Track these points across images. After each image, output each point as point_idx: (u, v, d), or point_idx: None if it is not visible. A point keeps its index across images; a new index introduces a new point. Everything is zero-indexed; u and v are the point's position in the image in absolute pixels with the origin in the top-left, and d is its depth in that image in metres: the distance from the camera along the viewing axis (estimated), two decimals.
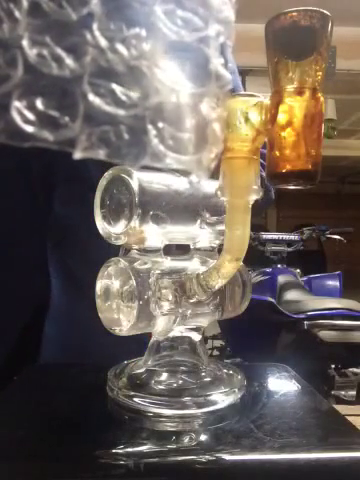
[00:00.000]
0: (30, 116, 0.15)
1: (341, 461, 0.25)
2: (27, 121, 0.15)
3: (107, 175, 0.30)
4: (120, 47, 0.16)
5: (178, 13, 0.17)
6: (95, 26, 0.16)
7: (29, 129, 0.15)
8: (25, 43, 0.15)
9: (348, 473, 0.25)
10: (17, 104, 0.15)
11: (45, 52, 0.16)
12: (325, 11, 0.24)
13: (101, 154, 0.16)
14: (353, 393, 1.73)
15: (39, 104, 0.16)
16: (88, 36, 0.16)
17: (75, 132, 0.16)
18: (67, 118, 0.16)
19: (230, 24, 0.18)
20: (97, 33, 0.16)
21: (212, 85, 0.18)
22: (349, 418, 0.30)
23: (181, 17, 0.17)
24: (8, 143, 0.15)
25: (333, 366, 1.75)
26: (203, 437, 0.26)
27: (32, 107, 0.15)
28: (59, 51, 0.16)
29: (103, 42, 0.16)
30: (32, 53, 0.15)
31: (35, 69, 0.15)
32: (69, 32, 0.16)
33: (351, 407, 1.71)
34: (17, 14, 0.15)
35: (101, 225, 0.31)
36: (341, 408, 1.64)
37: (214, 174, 0.22)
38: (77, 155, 0.16)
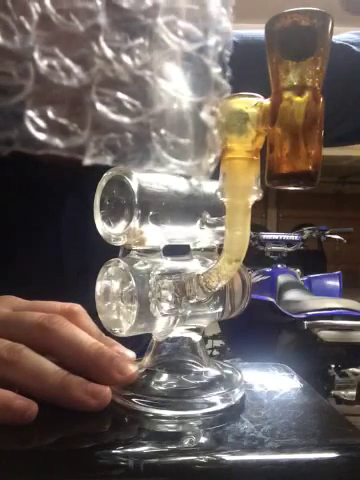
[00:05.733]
0: (42, 124, 0.16)
1: (341, 461, 0.25)
2: (39, 129, 0.16)
3: (106, 176, 0.30)
4: (125, 57, 0.17)
5: (179, 24, 0.18)
6: (101, 37, 0.17)
7: (41, 137, 0.16)
8: (36, 55, 0.16)
9: (348, 473, 0.25)
10: (30, 113, 0.16)
11: (55, 63, 0.16)
12: (325, 11, 0.24)
13: (108, 160, 0.17)
14: (353, 393, 1.73)
15: (50, 113, 0.16)
16: (95, 47, 0.17)
17: (84, 139, 0.17)
18: (76, 126, 0.17)
19: (228, 34, 0.19)
20: (103, 44, 0.17)
21: (211, 93, 0.19)
22: (349, 418, 0.30)
23: (182, 28, 0.18)
24: (22, 151, 0.16)
25: (333, 366, 1.75)
26: (203, 438, 0.26)
27: (44, 116, 0.16)
28: (68, 62, 0.17)
29: (109, 53, 0.17)
30: (43, 64, 0.16)
31: (46, 79, 0.16)
32: (77, 43, 0.17)
33: (351, 407, 1.71)
34: (28, 26, 0.16)
35: (101, 226, 0.31)
36: (341, 408, 1.65)
37: (214, 175, 0.22)
38: (86, 161, 0.17)
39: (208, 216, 0.32)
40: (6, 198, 0.47)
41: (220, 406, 0.29)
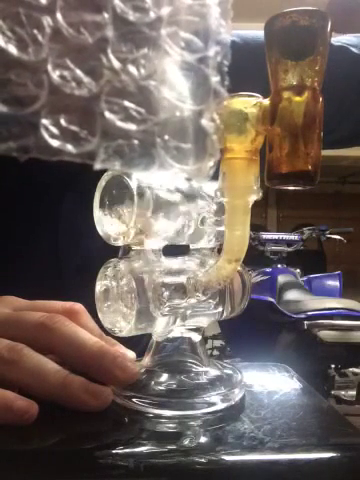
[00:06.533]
0: (56, 132, 0.17)
1: (341, 461, 0.25)
2: (53, 136, 0.17)
3: (106, 175, 0.30)
4: (131, 68, 0.18)
5: (181, 35, 0.19)
6: (109, 49, 0.18)
7: (55, 144, 0.17)
8: (49, 66, 0.17)
9: (348, 473, 0.25)
10: (45, 122, 0.17)
11: (67, 74, 0.18)
12: (325, 11, 0.24)
13: (117, 165, 0.18)
14: (353, 393, 1.73)
15: (63, 121, 0.18)
16: (103, 59, 0.18)
17: (95, 146, 0.18)
18: (87, 133, 0.18)
19: (226, 45, 0.20)
20: (111, 56, 0.18)
21: (211, 101, 0.20)
22: (349, 418, 0.30)
23: (183, 39, 0.19)
24: (39, 157, 0.17)
25: (333, 366, 1.75)
26: (203, 438, 0.26)
27: (57, 124, 0.17)
28: (79, 73, 0.18)
29: (116, 64, 0.18)
30: (55, 75, 0.17)
31: (59, 90, 0.17)
32: (87, 55, 0.18)
33: (351, 407, 1.71)
34: (41, 39, 0.17)
35: (100, 226, 0.30)
36: (341, 408, 1.65)
37: (214, 175, 0.22)
38: (97, 166, 0.18)
39: (208, 216, 0.32)
40: (5, 197, 0.47)
41: (220, 406, 0.29)
